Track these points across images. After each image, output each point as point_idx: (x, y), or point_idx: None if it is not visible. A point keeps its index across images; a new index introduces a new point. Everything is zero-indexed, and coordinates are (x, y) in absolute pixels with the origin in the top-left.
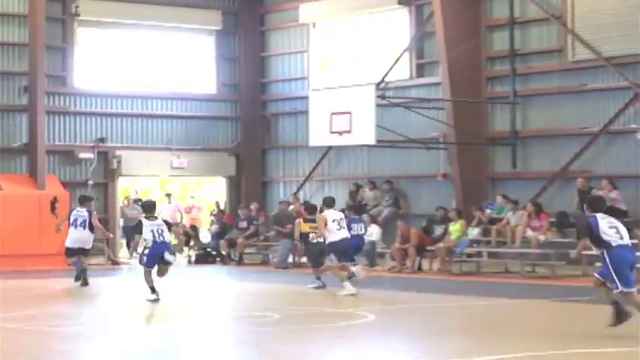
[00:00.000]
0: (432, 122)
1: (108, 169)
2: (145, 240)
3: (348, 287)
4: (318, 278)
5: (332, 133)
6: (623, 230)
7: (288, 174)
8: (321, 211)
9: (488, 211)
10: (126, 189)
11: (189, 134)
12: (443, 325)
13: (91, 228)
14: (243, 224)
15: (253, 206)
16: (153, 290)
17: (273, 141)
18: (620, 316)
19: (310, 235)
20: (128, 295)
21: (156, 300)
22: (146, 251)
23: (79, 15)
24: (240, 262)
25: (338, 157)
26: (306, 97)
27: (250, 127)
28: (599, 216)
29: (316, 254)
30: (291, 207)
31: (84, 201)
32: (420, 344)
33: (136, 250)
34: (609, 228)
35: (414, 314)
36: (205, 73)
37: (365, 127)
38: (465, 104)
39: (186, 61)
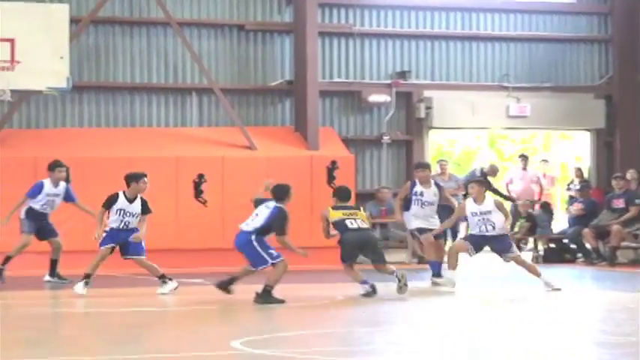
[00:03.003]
0: None
1: (412, 118)
2: None
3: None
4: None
5: None
6: (259, 219)
7: None
8: None
9: None
10: (439, 148)
11: (533, 66)
12: None
13: None
14: (619, 203)
15: (630, 175)
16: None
17: None
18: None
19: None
20: (440, 307)
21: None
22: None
23: None
24: (613, 262)
25: None
26: None
27: (630, 54)
28: (266, 203)
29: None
30: None
31: None
32: None
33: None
34: (254, 214)
35: None
36: None
37: None
38: None
39: None
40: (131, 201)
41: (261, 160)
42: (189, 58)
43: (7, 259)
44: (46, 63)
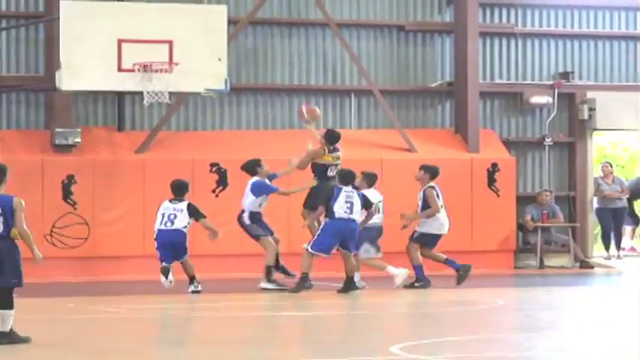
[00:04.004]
0: None
1: (575, 120)
2: None
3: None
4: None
5: None
6: (356, 206)
7: None
8: None
9: None
10: (601, 150)
11: None
12: None
13: None
14: None
15: None
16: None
17: None
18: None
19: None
20: (605, 312)
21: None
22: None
23: None
24: None
25: None
26: None
27: None
28: (344, 188)
29: None
30: None
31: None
32: None
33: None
34: (345, 202)
35: None
36: None
37: None
38: None
39: None
40: None
41: (420, 162)
42: (347, 59)
43: (270, 269)
44: (203, 65)
